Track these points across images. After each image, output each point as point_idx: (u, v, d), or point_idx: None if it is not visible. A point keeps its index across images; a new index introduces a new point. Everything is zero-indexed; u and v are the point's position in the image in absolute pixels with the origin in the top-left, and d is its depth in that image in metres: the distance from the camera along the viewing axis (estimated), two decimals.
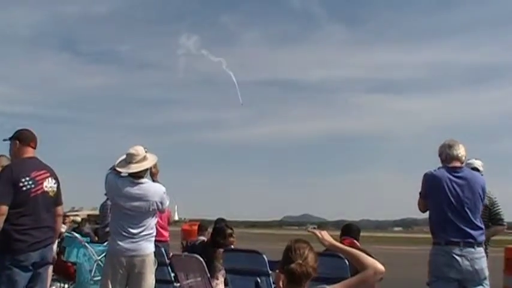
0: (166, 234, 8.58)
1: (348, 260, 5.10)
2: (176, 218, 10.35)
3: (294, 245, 3.16)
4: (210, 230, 7.40)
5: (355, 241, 5.87)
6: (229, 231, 6.72)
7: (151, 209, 5.37)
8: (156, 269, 5.65)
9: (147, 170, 5.52)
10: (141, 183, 5.43)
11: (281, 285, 3.18)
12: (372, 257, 3.27)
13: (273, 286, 5.02)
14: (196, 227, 10.07)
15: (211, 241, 6.81)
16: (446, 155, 5.00)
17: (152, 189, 5.44)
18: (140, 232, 5.34)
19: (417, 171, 5.21)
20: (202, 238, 8.11)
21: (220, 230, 6.75)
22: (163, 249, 6.54)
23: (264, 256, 5.50)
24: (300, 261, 3.07)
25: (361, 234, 6.49)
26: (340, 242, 5.80)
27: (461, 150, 4.98)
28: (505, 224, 6.00)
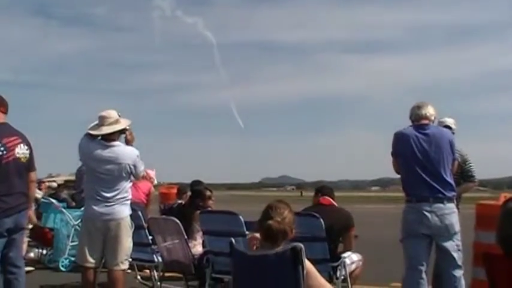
0: (144, 197, 8.58)
1: (325, 219, 5.17)
2: (155, 182, 10.35)
3: (274, 203, 3.25)
4: (189, 193, 7.38)
5: (332, 200, 5.91)
6: (209, 193, 6.71)
7: (124, 172, 5.31)
8: (134, 232, 5.64)
9: (119, 132, 5.45)
10: (113, 146, 5.35)
11: (254, 243, 3.23)
12: None
13: None
14: (174, 190, 10.06)
15: (189, 203, 6.79)
16: (415, 115, 5.05)
17: (124, 152, 5.37)
18: (114, 196, 5.29)
19: (394, 131, 5.24)
20: (180, 201, 8.09)
21: (200, 192, 6.73)
22: (140, 212, 6.51)
23: (240, 217, 5.51)
24: (279, 219, 3.13)
25: (339, 194, 6.58)
26: (318, 200, 5.90)
27: (429, 110, 5.03)
28: (476, 180, 6.06)
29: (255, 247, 3.29)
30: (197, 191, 6.80)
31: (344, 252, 5.53)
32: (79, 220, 8.08)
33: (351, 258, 5.63)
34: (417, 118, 5.04)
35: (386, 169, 5.61)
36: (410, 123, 5.08)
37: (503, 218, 2.52)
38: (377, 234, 12.67)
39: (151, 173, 9.08)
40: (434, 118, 5.10)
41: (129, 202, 5.46)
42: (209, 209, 6.61)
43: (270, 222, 3.13)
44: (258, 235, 3.32)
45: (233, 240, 3.33)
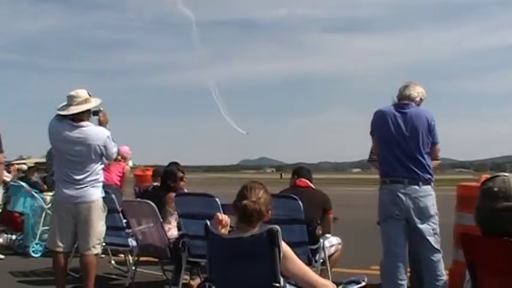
0: (117, 179, 8.55)
1: (301, 201, 5.19)
2: (130, 164, 10.33)
3: (249, 184, 3.27)
4: None
5: (309, 182, 5.94)
6: (180, 174, 6.66)
7: (93, 154, 5.28)
8: (107, 216, 5.62)
9: (89, 113, 5.42)
10: (82, 126, 5.31)
11: (218, 223, 3.24)
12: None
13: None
14: (149, 173, 10.02)
15: (161, 185, 6.76)
16: (399, 94, 5.05)
17: (94, 133, 5.33)
18: (85, 178, 5.27)
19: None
20: (156, 184, 8.06)
21: (171, 173, 6.68)
22: (113, 195, 6.47)
23: (217, 199, 5.51)
24: (254, 199, 3.15)
25: (320, 176, 6.61)
26: (295, 183, 5.93)
27: (415, 90, 5.00)
28: (439, 158, 5.98)
29: (220, 227, 3.30)
30: (168, 172, 6.75)
31: (323, 235, 5.56)
32: (50, 204, 8.02)
33: (330, 241, 5.68)
34: (400, 98, 5.05)
35: (369, 151, 5.65)
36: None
37: (481, 197, 2.56)
38: (357, 216, 12.77)
39: (126, 149, 9.03)
40: (420, 99, 5.07)
41: (100, 184, 5.44)
42: (181, 190, 6.58)
43: (245, 202, 3.15)
44: (221, 215, 3.34)
45: (208, 222, 3.33)
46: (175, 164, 6.93)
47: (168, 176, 6.62)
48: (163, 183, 6.64)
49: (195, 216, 5.49)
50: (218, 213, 3.41)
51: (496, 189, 2.51)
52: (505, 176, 2.59)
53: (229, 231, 3.37)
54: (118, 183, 8.59)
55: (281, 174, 76.51)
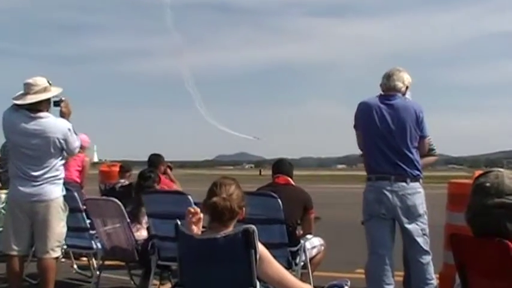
0: (76, 176, 8.49)
1: (280, 199, 5.20)
2: (95, 159, 10.30)
3: (219, 180, 3.27)
4: (132, 172, 7.35)
5: (290, 179, 5.93)
6: (156, 177, 6.66)
7: (52, 148, 5.23)
8: (69, 216, 5.58)
9: (48, 103, 5.37)
10: (40, 117, 5.26)
11: (189, 218, 3.23)
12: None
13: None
14: (116, 169, 9.97)
15: (137, 184, 6.73)
16: (383, 85, 5.05)
17: (52, 125, 5.28)
18: (43, 174, 5.23)
19: None
20: (123, 181, 8.04)
21: (152, 174, 6.68)
22: (75, 193, 6.42)
23: (189, 197, 5.50)
24: (224, 196, 3.15)
25: (303, 173, 6.62)
26: (274, 180, 5.95)
27: (399, 81, 4.99)
28: (436, 154, 6.04)
29: (192, 219, 3.28)
30: (142, 174, 6.74)
31: (304, 235, 5.58)
32: (5, 203, 7.93)
33: (312, 243, 5.70)
34: (385, 89, 5.04)
35: (354, 146, 5.67)
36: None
37: (473, 193, 2.57)
38: (341, 216, 12.87)
39: (84, 137, 8.95)
40: (407, 88, 5.06)
41: (61, 181, 5.40)
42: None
43: (215, 199, 3.14)
44: (194, 208, 3.33)
45: (178, 221, 3.31)
46: (159, 156, 7.00)
47: (143, 178, 6.61)
48: (138, 183, 6.62)
49: (166, 215, 5.48)
50: (190, 207, 3.37)
51: (488, 184, 2.52)
52: (499, 171, 2.60)
53: (202, 232, 3.36)
54: (77, 179, 8.51)
55: (260, 171, 76.61)
